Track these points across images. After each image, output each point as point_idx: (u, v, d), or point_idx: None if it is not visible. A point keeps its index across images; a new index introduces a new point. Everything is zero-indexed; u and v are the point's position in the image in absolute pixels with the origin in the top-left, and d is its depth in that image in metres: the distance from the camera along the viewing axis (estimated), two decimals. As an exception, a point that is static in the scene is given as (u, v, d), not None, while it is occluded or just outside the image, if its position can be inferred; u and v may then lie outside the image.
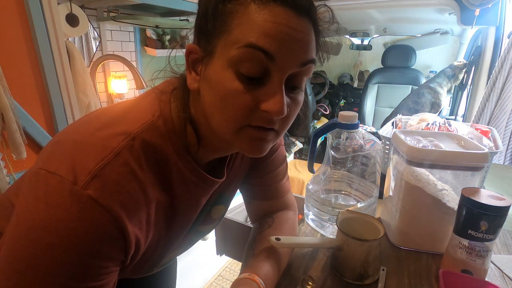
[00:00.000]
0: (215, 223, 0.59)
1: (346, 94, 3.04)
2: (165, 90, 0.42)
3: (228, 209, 0.61)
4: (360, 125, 0.73)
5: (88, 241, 0.31)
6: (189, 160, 0.41)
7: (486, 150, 0.57)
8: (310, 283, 0.44)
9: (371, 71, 2.76)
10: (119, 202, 0.33)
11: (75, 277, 0.32)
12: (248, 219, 1.22)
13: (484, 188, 0.66)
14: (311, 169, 0.83)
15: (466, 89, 1.95)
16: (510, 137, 1.50)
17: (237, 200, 0.87)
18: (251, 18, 0.33)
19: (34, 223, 0.31)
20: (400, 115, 1.07)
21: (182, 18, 1.83)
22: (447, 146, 0.64)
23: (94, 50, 1.54)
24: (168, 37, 1.87)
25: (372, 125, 2.73)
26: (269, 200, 0.63)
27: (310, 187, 0.76)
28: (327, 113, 2.83)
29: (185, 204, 0.45)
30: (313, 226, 0.75)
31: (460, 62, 1.94)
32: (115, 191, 0.33)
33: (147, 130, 0.37)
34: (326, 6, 0.40)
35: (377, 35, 2.75)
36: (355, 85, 3.12)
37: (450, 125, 0.90)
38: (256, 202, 0.64)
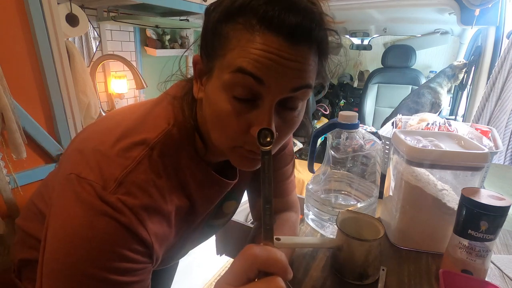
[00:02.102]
0: (227, 217, 0.62)
1: (346, 94, 3.03)
2: (177, 95, 0.45)
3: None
4: (360, 125, 0.73)
5: (119, 234, 0.35)
6: (203, 165, 0.45)
7: (486, 150, 0.57)
8: (269, 137, 0.32)
9: (371, 71, 2.76)
10: (142, 204, 0.37)
11: (111, 268, 0.35)
12: (248, 219, 1.21)
13: (484, 188, 0.66)
14: (311, 169, 0.83)
15: (466, 89, 1.95)
16: (510, 137, 1.50)
17: (237, 200, 0.87)
18: (243, 45, 0.34)
19: (72, 220, 0.35)
20: (400, 115, 1.07)
21: (182, 18, 1.82)
22: (447, 146, 0.64)
23: (94, 50, 1.54)
24: (168, 37, 1.87)
25: (372, 125, 2.72)
26: (274, 198, 0.64)
27: (310, 187, 0.76)
28: (327, 113, 2.82)
29: (201, 206, 0.48)
30: (313, 226, 0.75)
31: (460, 62, 1.94)
32: (139, 195, 0.37)
33: (163, 140, 0.41)
34: (330, 30, 0.38)
35: (377, 35, 2.74)
36: (355, 85, 3.11)
37: (450, 125, 0.90)
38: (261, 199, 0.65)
